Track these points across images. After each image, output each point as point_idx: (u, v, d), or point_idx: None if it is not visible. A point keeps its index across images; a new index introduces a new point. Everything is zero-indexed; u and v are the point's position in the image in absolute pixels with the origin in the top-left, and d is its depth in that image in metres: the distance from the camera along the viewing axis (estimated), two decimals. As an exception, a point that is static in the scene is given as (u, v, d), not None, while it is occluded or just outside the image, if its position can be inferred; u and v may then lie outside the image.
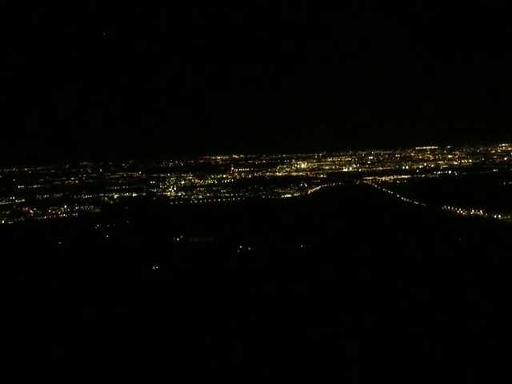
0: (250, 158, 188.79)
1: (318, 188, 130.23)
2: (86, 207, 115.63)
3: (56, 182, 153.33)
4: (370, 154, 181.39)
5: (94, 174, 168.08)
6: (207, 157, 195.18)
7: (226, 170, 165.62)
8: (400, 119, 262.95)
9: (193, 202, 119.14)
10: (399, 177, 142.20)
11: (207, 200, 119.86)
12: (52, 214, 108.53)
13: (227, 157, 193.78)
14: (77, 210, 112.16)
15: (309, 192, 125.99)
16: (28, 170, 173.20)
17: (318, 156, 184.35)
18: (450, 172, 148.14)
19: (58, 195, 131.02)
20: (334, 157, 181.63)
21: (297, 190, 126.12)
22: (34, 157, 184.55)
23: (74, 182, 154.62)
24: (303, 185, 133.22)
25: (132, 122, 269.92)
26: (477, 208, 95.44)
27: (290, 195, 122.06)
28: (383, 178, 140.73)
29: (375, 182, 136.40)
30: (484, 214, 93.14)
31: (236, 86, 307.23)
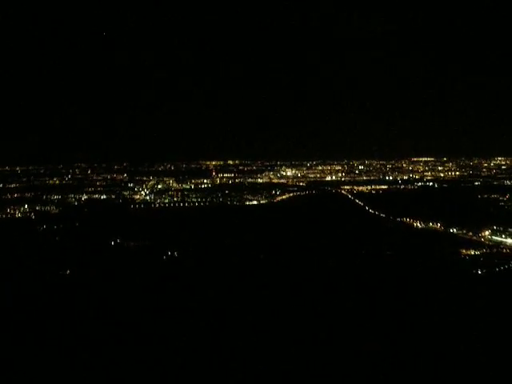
0: (244, 164, 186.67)
1: (287, 196, 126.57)
2: (46, 208, 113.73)
3: (36, 182, 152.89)
4: (363, 164, 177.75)
5: (79, 176, 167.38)
6: (202, 162, 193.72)
7: (210, 175, 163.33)
8: (404, 130, 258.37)
9: (155, 205, 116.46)
10: (377, 187, 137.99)
11: (170, 204, 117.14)
12: (8, 214, 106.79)
13: (221, 162, 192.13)
14: (36, 211, 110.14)
15: (276, 199, 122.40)
16: (18, 170, 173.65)
17: (310, 164, 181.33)
18: (431, 184, 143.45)
19: (28, 195, 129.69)
20: (325, 165, 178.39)
21: (266, 198, 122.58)
22: (35, 157, 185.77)
23: (54, 183, 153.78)
24: (275, 192, 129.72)
25: (135, 126, 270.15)
26: (436, 221, 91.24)
27: (256, 202, 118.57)
28: (360, 188, 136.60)
29: (350, 192, 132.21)
30: (440, 227, 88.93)
31: (241, 92, 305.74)
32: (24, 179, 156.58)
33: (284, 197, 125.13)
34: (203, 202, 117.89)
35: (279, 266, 65.44)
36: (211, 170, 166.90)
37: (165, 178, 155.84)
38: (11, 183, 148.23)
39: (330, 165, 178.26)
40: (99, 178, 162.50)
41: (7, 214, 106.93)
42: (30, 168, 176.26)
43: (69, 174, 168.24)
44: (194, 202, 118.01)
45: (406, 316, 47.91)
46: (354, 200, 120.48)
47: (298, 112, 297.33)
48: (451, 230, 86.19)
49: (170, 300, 53.69)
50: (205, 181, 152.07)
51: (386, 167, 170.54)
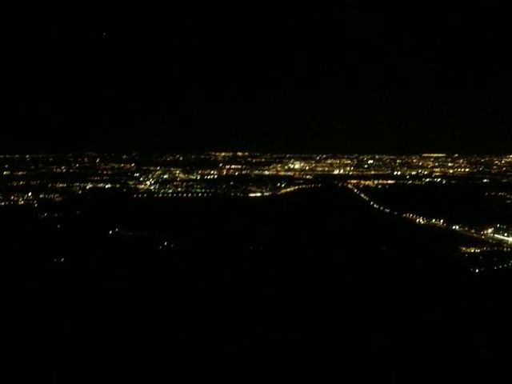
0: (253, 156, 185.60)
1: (292, 189, 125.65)
2: (50, 196, 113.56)
3: (43, 170, 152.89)
4: (373, 159, 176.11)
5: (87, 164, 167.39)
6: (212, 153, 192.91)
7: (217, 166, 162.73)
8: (415, 126, 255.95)
9: (158, 195, 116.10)
10: (384, 182, 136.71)
11: (174, 194, 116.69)
12: (11, 201, 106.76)
13: (230, 154, 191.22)
14: (38, 199, 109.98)
15: (280, 192, 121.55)
16: (28, 157, 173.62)
17: (319, 157, 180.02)
18: (438, 180, 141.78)
19: (34, 183, 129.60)
20: (335, 159, 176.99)
21: (270, 190, 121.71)
22: (45, 145, 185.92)
23: (61, 171, 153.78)
24: (280, 185, 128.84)
25: (146, 116, 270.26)
26: (440, 217, 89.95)
27: (259, 194, 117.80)
28: (367, 183, 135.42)
29: (356, 186, 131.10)
30: (443, 223, 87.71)
31: (253, 84, 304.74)
32: (32, 167, 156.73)
33: (288, 189, 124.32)
34: (206, 193, 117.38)
35: (278, 260, 64.72)
36: (219, 162, 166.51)
37: (172, 169, 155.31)
38: (19, 171, 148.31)
39: (339, 158, 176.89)
40: (107, 167, 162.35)
41: (10, 201, 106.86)
42: (40, 156, 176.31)
43: (77, 162, 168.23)
44: (197, 193, 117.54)
45: (401, 313, 47.11)
46: (358, 194, 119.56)
47: (309, 105, 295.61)
48: (453, 227, 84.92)
49: (161, 292, 53.22)
50: (212, 172, 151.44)
51: (395, 162, 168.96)
